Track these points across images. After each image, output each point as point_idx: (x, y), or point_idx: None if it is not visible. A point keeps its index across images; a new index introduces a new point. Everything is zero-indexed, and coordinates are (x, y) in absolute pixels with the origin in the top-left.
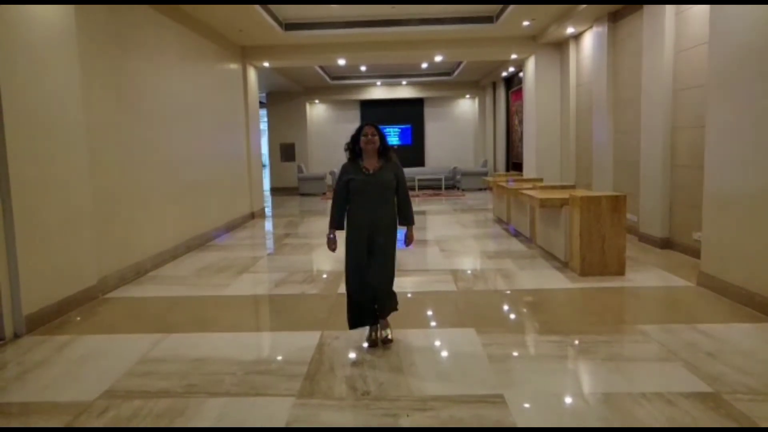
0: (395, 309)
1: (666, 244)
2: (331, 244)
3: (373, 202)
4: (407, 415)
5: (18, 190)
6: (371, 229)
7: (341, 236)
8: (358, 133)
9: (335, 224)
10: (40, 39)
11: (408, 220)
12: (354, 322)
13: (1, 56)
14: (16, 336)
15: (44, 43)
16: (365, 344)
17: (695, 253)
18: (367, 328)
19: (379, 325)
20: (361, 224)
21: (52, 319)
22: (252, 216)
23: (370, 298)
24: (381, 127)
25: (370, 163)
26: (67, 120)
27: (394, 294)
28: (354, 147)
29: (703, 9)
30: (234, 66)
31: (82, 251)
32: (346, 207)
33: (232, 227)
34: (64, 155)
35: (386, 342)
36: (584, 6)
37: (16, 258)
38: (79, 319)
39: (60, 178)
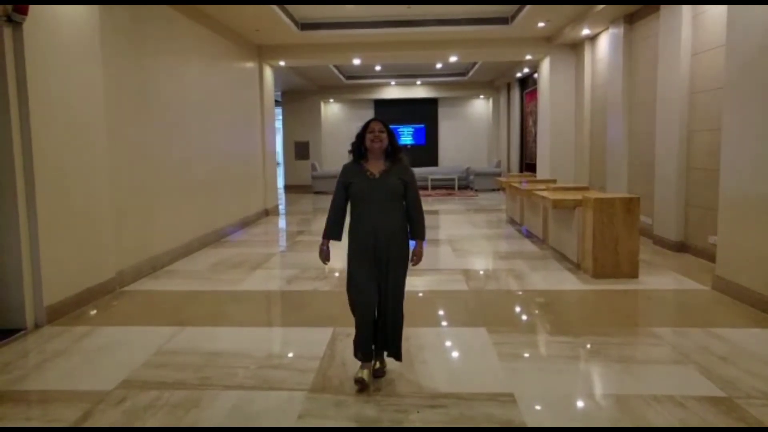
0: (399, 355)
1: (681, 247)
2: (323, 256)
3: (377, 211)
4: (417, 412)
5: (42, 185)
6: (376, 242)
7: (338, 248)
8: (364, 129)
9: (329, 233)
10: (66, 38)
11: (417, 233)
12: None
13: (29, 54)
14: (37, 326)
15: (70, 41)
16: (355, 383)
17: (710, 256)
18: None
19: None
20: (363, 238)
21: (71, 310)
22: (266, 213)
23: (372, 323)
24: (394, 126)
25: (375, 165)
26: (89, 117)
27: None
28: (359, 147)
29: (720, 11)
30: (250, 65)
31: (101, 245)
32: (344, 215)
33: (246, 224)
34: (86, 151)
35: (378, 375)
36: (600, 8)
37: (38, 251)
38: (97, 310)
39: (81, 173)
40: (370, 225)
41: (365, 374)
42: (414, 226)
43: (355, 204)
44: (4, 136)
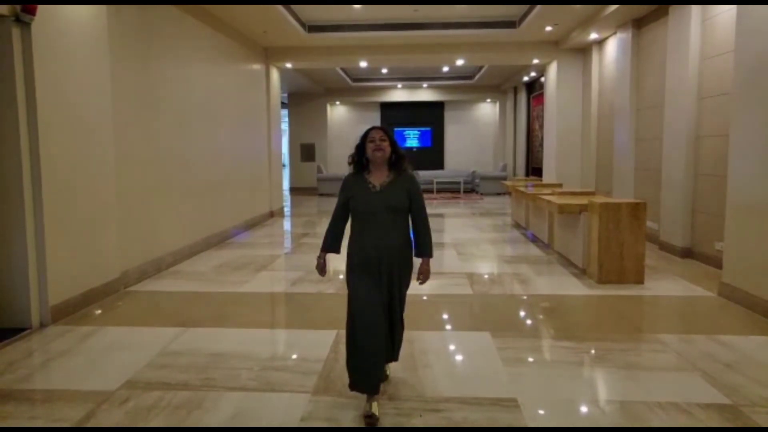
0: (396, 355)
1: (687, 253)
2: (319, 268)
3: (379, 225)
4: (420, 416)
5: (48, 185)
6: (379, 258)
7: (336, 259)
8: (364, 139)
9: (327, 246)
10: (74, 38)
11: (423, 250)
12: (359, 382)
13: (37, 54)
14: (42, 325)
15: (77, 41)
16: (365, 420)
17: (717, 263)
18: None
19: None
20: (365, 253)
21: (76, 310)
22: (271, 215)
23: (380, 348)
24: (400, 129)
25: (378, 177)
26: (96, 117)
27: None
28: (360, 158)
29: (729, 17)
30: (257, 66)
31: (106, 245)
32: (343, 229)
33: (251, 225)
34: (93, 152)
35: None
36: (609, 11)
37: (44, 251)
38: (101, 311)
39: (88, 174)
40: (372, 240)
41: (375, 407)
42: (420, 242)
43: (357, 217)
44: (12, 136)
